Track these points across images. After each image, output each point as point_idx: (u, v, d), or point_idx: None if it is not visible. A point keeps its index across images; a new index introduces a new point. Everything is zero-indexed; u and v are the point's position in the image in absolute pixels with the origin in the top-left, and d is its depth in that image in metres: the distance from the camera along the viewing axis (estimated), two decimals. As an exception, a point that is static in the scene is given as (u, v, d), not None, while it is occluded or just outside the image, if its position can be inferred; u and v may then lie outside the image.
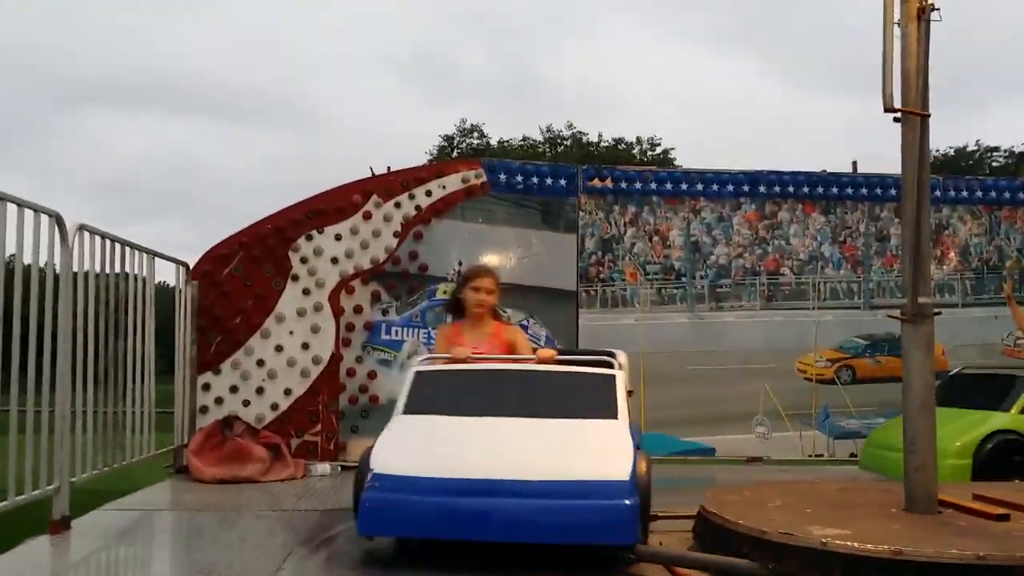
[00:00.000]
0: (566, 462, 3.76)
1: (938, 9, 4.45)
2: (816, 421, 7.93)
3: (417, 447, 3.93)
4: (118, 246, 5.51)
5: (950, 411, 6.16)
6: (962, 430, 6.17)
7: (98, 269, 5.18)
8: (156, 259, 6.24)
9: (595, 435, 4.05)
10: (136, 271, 5.88)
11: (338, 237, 7.23)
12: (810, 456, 7.90)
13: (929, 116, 4.45)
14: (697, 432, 7.75)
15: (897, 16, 4.46)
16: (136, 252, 5.83)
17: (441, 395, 4.34)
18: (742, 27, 69.69)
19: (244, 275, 7.06)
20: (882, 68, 4.37)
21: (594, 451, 3.89)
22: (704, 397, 7.80)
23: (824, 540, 3.42)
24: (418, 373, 4.48)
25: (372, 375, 7.24)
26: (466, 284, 5.08)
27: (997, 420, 6.41)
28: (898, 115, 4.43)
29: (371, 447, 3.94)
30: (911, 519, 4.03)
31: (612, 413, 4.20)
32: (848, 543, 3.39)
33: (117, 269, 5.53)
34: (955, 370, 7.44)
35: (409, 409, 4.26)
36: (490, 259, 7.59)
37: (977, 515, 4.02)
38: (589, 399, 4.29)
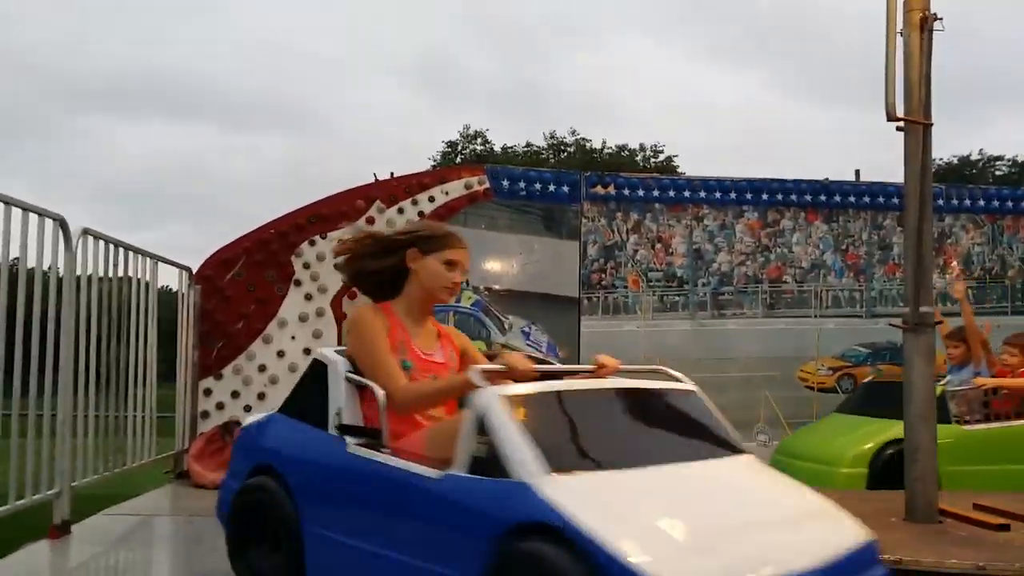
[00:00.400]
0: (826, 524, 2.73)
1: (941, 19, 4.46)
2: (817, 429, 7.91)
3: (671, 532, 2.34)
4: (121, 250, 5.53)
5: (854, 419, 6.11)
6: (859, 439, 5.89)
7: (101, 273, 5.20)
8: (159, 264, 6.26)
9: (769, 480, 2.94)
10: (139, 275, 5.90)
11: (341, 243, 7.23)
12: (811, 465, 7.87)
13: (932, 125, 4.46)
14: (698, 440, 7.74)
15: (900, 26, 4.46)
16: (139, 256, 5.85)
17: (575, 435, 2.75)
18: (747, 38, 69.77)
19: (247, 280, 7.07)
20: (885, 77, 4.37)
21: (812, 503, 2.83)
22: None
23: (824, 549, 3.42)
24: (511, 399, 2.66)
25: (374, 381, 7.22)
26: (432, 250, 3.23)
27: (896, 429, 6.22)
28: (901, 124, 4.43)
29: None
30: (911, 528, 4.02)
31: (737, 445, 3.03)
32: (848, 552, 3.39)
33: (120, 273, 5.55)
34: (868, 378, 7.23)
35: (558, 464, 2.50)
36: (493, 265, 7.61)
37: (977, 525, 4.01)
38: (704, 428, 3.05)
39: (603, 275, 7.89)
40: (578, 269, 7.77)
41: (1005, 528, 3.90)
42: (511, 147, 33.67)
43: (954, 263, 8.40)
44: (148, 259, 6.02)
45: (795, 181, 8.29)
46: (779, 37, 70.08)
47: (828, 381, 8.04)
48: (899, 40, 4.47)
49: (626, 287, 7.92)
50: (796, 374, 8.01)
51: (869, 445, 5.71)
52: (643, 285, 7.98)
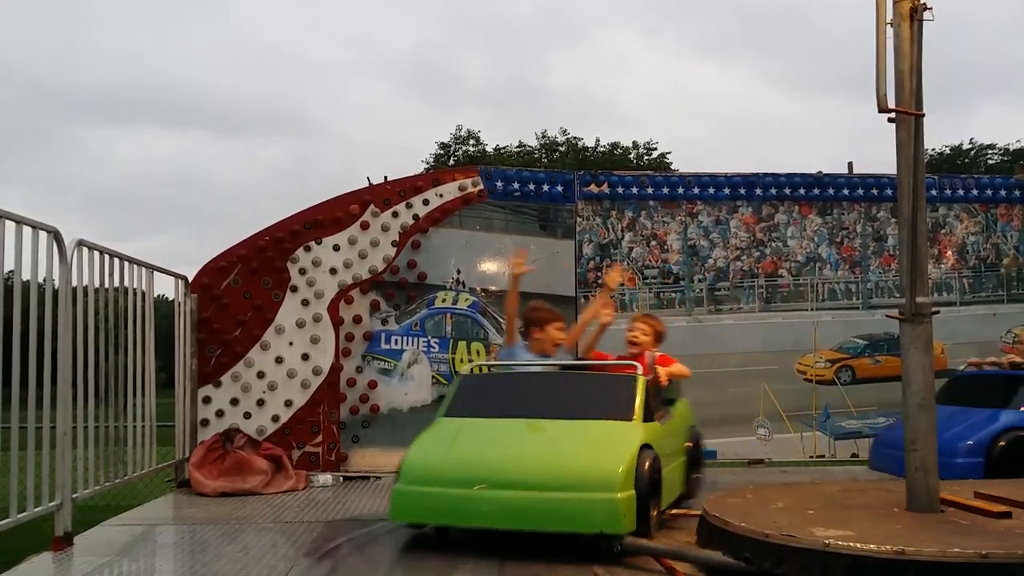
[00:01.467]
0: None
1: (930, 8, 4.47)
2: (817, 422, 7.92)
3: None
4: (116, 261, 5.53)
5: (521, 424, 4.64)
6: (607, 455, 4.29)
7: (97, 284, 5.19)
8: (155, 273, 6.26)
9: None
10: (135, 285, 5.89)
11: (336, 248, 7.24)
12: (811, 457, 7.89)
13: (923, 116, 4.47)
14: (698, 435, 7.73)
15: (890, 16, 4.47)
16: (135, 266, 5.85)
17: None
18: (737, 32, 69.85)
19: (243, 287, 7.06)
20: (875, 69, 4.38)
21: None
22: (704, 400, 7.74)
23: (827, 541, 3.42)
24: None
25: (372, 385, 7.23)
26: None
27: (632, 434, 4.53)
28: (892, 115, 4.44)
29: None
30: (913, 518, 4.03)
31: None
32: (851, 544, 3.39)
33: (116, 284, 5.54)
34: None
35: None
36: (489, 266, 7.60)
37: (979, 513, 4.02)
38: None
39: (599, 273, 7.89)
40: (574, 268, 7.77)
41: (1007, 516, 3.92)
42: (503, 147, 33.68)
43: (949, 253, 8.42)
44: (143, 269, 6.01)
45: (788, 175, 8.29)
46: (770, 30, 70.15)
47: (826, 373, 8.05)
48: (889, 31, 4.48)
49: (622, 285, 7.92)
50: (795, 367, 8.01)
51: (626, 462, 4.22)
52: (639, 283, 7.98)
